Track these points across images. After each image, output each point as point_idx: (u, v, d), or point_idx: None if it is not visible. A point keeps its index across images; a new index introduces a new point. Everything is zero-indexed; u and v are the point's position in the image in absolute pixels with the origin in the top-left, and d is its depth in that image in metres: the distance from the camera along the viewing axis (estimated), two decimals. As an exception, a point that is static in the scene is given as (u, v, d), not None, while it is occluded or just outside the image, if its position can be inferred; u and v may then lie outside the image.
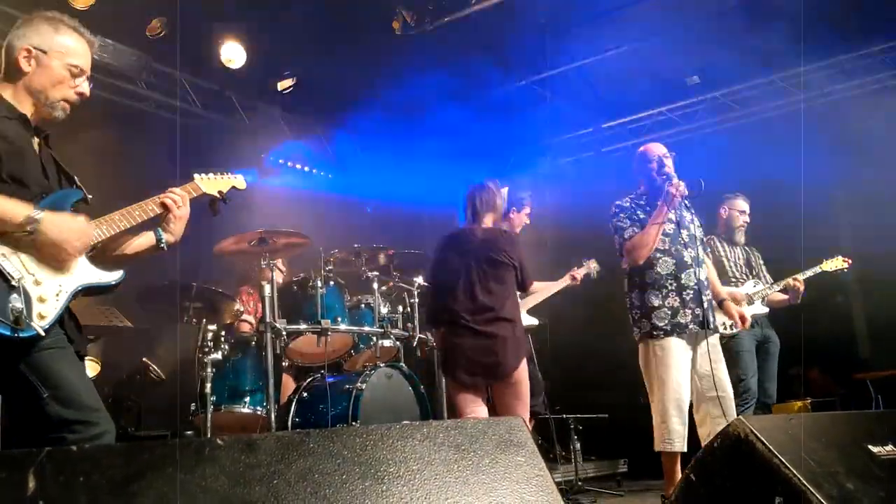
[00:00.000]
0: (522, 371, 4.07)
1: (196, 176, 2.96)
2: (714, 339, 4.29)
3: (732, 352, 5.20)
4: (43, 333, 2.27)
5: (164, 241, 2.72)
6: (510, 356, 4.02)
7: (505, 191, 5.59)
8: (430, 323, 4.38)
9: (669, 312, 4.16)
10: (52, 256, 2.35)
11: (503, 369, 4.01)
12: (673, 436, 4.04)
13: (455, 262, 4.11)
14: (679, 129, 8.27)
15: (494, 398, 4.14)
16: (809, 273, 5.52)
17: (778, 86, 7.66)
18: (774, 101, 7.74)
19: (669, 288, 4.20)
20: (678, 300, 4.18)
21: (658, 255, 4.24)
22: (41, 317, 2.28)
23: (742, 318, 4.45)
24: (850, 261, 5.53)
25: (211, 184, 2.99)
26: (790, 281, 5.44)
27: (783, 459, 2.08)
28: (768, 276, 5.67)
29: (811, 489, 2.01)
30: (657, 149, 4.44)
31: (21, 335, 2.21)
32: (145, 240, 2.73)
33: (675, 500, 2.36)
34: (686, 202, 4.36)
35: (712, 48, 6.78)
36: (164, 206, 2.69)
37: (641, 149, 4.52)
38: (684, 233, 4.32)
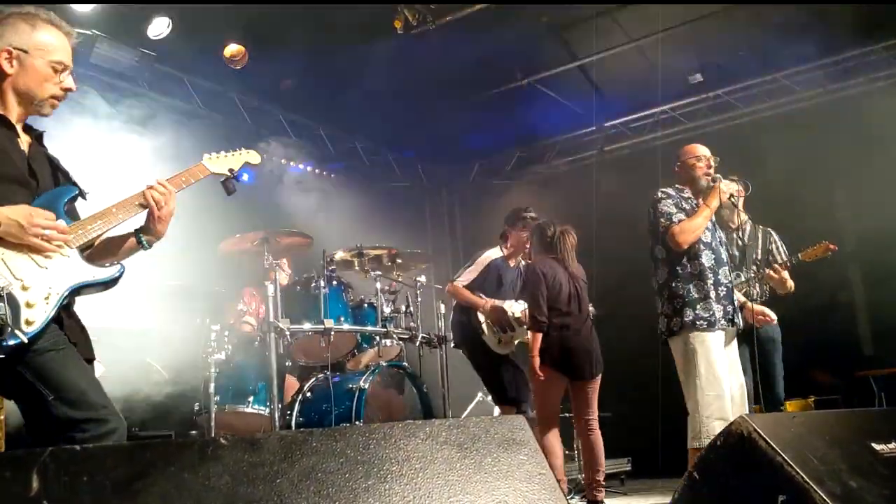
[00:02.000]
0: None
1: (205, 156, 2.82)
2: (734, 340, 4.35)
3: None
4: (26, 341, 2.20)
5: (144, 241, 2.58)
6: (600, 356, 5.02)
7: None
8: (541, 328, 4.91)
9: (712, 304, 4.16)
10: (27, 262, 2.27)
11: (599, 366, 4.98)
12: (717, 432, 4.00)
13: (563, 281, 4.96)
14: (682, 128, 8.26)
15: (574, 393, 4.96)
16: (786, 261, 5.19)
17: (780, 84, 7.66)
18: (777, 99, 7.74)
19: (710, 281, 4.21)
20: (715, 294, 4.19)
21: (702, 247, 4.26)
22: (28, 323, 2.22)
23: (762, 314, 4.50)
24: (834, 247, 5.16)
25: (220, 162, 2.84)
26: (769, 273, 5.16)
27: (786, 457, 2.08)
28: (781, 257, 5.32)
29: (814, 487, 2.01)
30: (699, 148, 4.49)
31: (5, 344, 2.15)
32: (129, 240, 2.61)
33: (678, 499, 2.36)
34: (734, 202, 4.48)
35: (715, 46, 6.79)
36: (144, 198, 2.53)
37: (687, 147, 4.57)
38: (718, 232, 4.42)
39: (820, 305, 6.51)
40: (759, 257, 5.39)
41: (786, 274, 5.17)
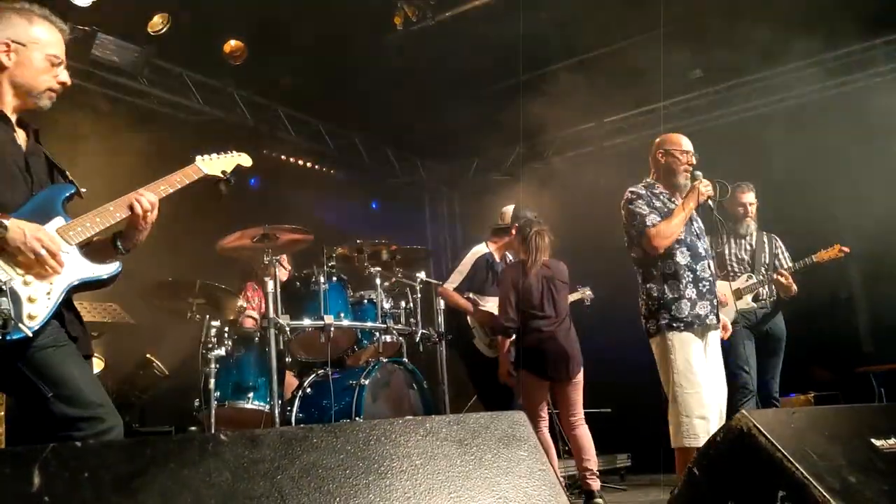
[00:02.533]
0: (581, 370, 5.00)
1: (198, 158, 2.85)
2: (717, 334, 4.27)
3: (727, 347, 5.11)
4: (31, 335, 2.22)
5: (120, 247, 2.59)
6: (579, 356, 4.97)
7: (509, 209, 5.67)
8: (508, 332, 5.03)
9: (689, 304, 4.05)
10: (26, 263, 2.28)
11: (578, 367, 4.93)
12: (697, 430, 3.90)
13: (534, 283, 4.96)
14: (682, 123, 8.24)
15: (556, 393, 4.99)
16: (798, 266, 5.41)
17: (780, 80, 7.65)
18: (777, 94, 7.74)
19: (688, 279, 4.09)
20: (695, 291, 4.09)
21: (676, 244, 4.13)
22: (31, 317, 2.24)
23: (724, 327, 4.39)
24: (847, 249, 5.32)
25: (213, 164, 2.87)
26: (777, 275, 5.34)
27: (786, 453, 2.08)
28: (785, 264, 5.51)
29: (814, 483, 2.01)
30: (684, 142, 4.33)
31: (9, 338, 2.17)
32: (109, 247, 2.61)
33: (678, 495, 2.36)
34: (713, 205, 4.30)
35: (716, 42, 6.77)
36: (130, 208, 2.54)
37: (665, 136, 4.41)
38: (695, 224, 4.29)
39: (820, 302, 6.52)
40: (767, 261, 5.52)
41: (791, 279, 5.35)
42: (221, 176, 2.89)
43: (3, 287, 2.19)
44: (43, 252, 2.28)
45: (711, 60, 7.46)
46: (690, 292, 4.09)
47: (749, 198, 5.63)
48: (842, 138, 6.77)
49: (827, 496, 1.98)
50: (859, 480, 2.11)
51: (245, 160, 3.02)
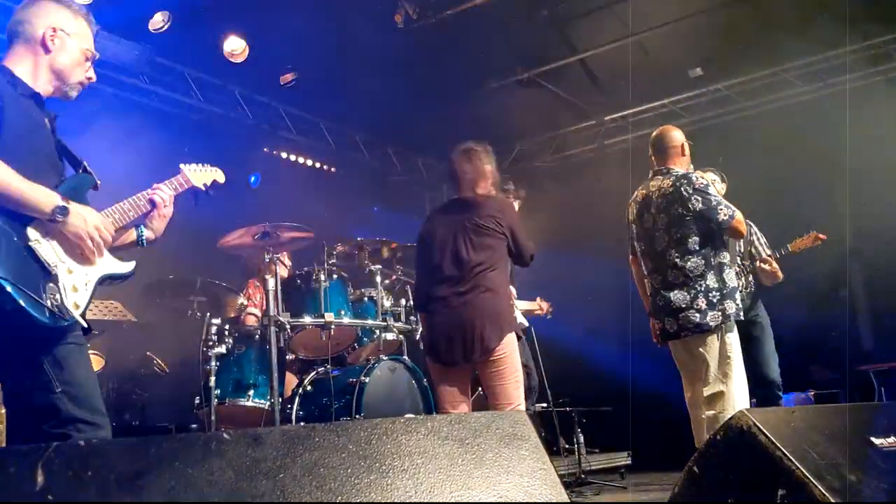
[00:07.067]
0: (506, 347, 3.61)
1: (183, 166, 2.92)
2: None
3: None
4: (85, 324, 2.30)
5: (144, 238, 2.71)
6: (489, 331, 3.57)
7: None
8: (417, 307, 4.24)
9: (740, 296, 4.00)
10: (72, 248, 2.35)
11: (483, 346, 3.58)
12: None
13: (439, 233, 3.73)
14: (682, 122, 8.25)
15: (480, 379, 3.78)
16: (774, 255, 5.18)
17: (780, 77, 7.65)
18: (777, 93, 7.74)
19: (735, 271, 4.12)
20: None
21: (727, 238, 4.14)
22: (76, 306, 2.30)
23: None
24: (823, 236, 5.10)
25: (198, 176, 2.97)
26: (759, 265, 5.10)
27: (786, 452, 2.08)
28: (763, 252, 5.27)
29: (814, 481, 2.02)
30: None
31: (60, 324, 2.22)
32: (128, 235, 2.72)
33: (678, 494, 2.37)
34: None
35: (715, 40, 6.77)
36: (152, 202, 2.69)
37: (677, 129, 4.39)
38: None
39: (820, 300, 6.53)
40: (742, 250, 5.36)
41: (776, 265, 5.11)
42: (202, 188, 2.98)
43: (53, 273, 2.25)
44: (100, 241, 2.38)
45: (711, 59, 7.47)
46: (740, 283, 4.14)
47: (718, 187, 5.53)
48: (842, 136, 6.77)
49: (827, 494, 1.99)
50: (859, 479, 2.12)
51: (220, 176, 3.09)
